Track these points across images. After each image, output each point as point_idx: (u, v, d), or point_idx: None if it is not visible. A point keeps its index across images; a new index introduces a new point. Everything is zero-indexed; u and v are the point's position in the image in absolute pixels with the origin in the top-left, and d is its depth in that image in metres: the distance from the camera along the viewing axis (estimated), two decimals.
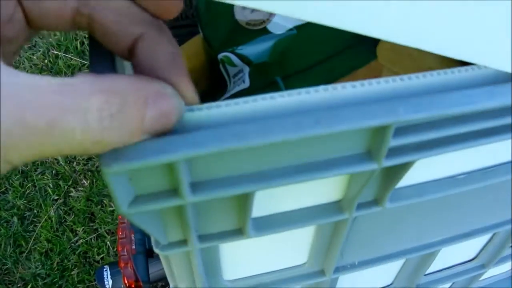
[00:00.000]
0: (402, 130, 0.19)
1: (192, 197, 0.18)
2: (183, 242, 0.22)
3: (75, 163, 1.17)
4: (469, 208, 0.30)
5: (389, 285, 0.39)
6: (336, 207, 0.24)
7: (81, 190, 1.13)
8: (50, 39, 1.35)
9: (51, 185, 1.13)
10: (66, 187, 1.13)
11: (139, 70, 0.17)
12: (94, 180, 1.15)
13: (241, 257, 0.27)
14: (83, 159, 1.17)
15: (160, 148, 0.15)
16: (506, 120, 0.20)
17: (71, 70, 1.32)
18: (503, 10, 0.18)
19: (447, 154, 0.20)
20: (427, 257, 0.35)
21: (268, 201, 0.22)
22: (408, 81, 0.18)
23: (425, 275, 0.38)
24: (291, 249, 0.28)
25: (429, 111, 0.17)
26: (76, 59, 1.33)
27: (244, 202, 0.20)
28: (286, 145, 0.18)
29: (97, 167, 1.17)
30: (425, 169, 0.24)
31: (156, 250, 0.22)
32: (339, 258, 0.29)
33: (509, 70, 0.19)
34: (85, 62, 1.33)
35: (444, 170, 0.26)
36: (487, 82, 0.19)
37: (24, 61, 1.33)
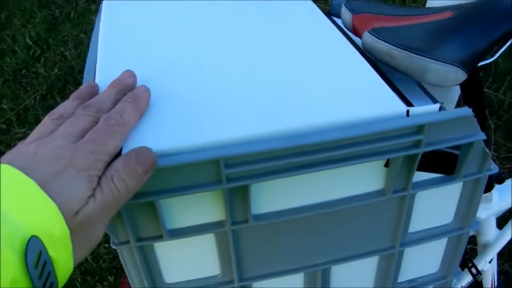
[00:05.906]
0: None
1: None
2: (128, 242, 0.39)
3: (101, 261, 1.33)
4: (344, 234, 0.44)
5: None
6: (219, 225, 0.40)
7: (106, 285, 1.28)
8: None
9: (79, 280, 1.28)
10: (93, 282, 1.28)
11: None
12: (118, 277, 1.30)
13: (175, 262, 0.42)
14: (108, 258, 1.34)
15: None
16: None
17: None
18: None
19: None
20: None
21: (176, 215, 0.39)
22: None
23: None
24: (207, 259, 0.43)
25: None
26: None
27: (154, 212, 0.37)
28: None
29: (120, 265, 1.32)
30: (282, 199, 0.40)
31: (113, 246, 0.39)
32: (243, 270, 0.44)
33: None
34: None
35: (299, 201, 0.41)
36: None
37: None
